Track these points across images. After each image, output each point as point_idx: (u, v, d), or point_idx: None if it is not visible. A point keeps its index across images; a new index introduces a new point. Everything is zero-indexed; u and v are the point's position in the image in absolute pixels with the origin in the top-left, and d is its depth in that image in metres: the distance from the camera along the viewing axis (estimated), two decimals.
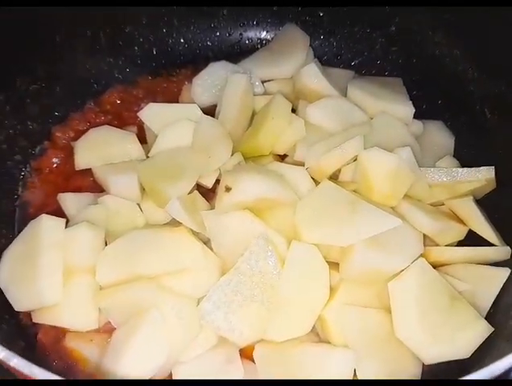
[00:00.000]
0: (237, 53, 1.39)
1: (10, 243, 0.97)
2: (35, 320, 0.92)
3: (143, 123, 1.19)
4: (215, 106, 1.22)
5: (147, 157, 1.12)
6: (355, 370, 0.85)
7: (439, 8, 1.18)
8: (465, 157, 1.17)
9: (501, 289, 0.94)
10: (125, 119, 1.25)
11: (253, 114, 1.20)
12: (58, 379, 0.51)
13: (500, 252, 0.99)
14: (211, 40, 1.40)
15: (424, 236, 0.98)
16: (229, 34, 1.41)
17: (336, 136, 1.07)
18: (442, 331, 0.86)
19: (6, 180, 1.11)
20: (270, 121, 1.09)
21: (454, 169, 1.07)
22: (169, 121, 1.13)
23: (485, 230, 1.01)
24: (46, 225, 0.94)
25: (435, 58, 1.25)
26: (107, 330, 0.92)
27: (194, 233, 0.97)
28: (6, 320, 0.88)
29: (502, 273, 0.95)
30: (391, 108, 1.16)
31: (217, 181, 1.09)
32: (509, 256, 0.99)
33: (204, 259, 0.93)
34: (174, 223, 1.02)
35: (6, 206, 1.09)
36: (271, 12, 1.39)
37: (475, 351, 0.86)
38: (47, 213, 0.97)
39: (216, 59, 1.31)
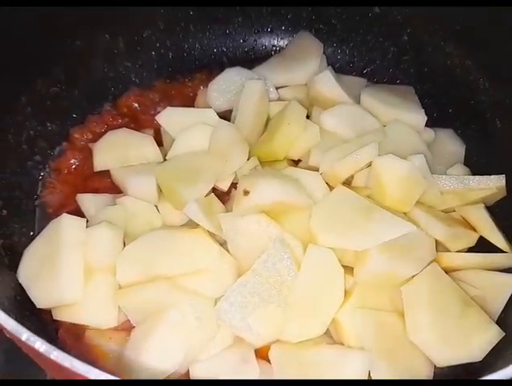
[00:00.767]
0: (251, 59, 1.42)
1: (30, 241, 0.99)
2: (55, 317, 0.93)
3: (160, 126, 1.21)
4: (230, 111, 1.24)
5: (164, 159, 1.14)
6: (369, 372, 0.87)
7: (451, 19, 1.21)
8: (476, 165, 1.19)
9: None
10: (141, 122, 1.27)
11: (268, 120, 1.23)
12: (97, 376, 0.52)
13: (510, 258, 1.01)
14: (226, 46, 1.43)
15: (436, 241, 1.01)
16: (244, 41, 1.44)
17: (350, 142, 1.09)
18: (454, 335, 0.88)
19: (26, 180, 1.13)
20: (286, 127, 1.11)
21: (465, 176, 1.10)
22: (186, 125, 1.15)
23: (496, 237, 1.03)
24: (67, 224, 0.96)
25: (447, 67, 1.27)
26: (125, 328, 0.94)
27: (211, 235, 0.99)
28: (27, 317, 0.90)
29: None
30: (404, 116, 1.18)
31: (232, 184, 1.12)
32: None
33: (221, 260, 0.96)
34: (190, 224, 1.04)
35: (26, 205, 1.11)
36: (285, 19, 1.42)
37: (486, 354, 0.88)
38: (66, 213, 1.00)
39: (231, 64, 1.33)
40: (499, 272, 0.99)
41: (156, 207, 1.08)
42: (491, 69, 1.19)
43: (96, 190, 1.14)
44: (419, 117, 1.19)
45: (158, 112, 1.21)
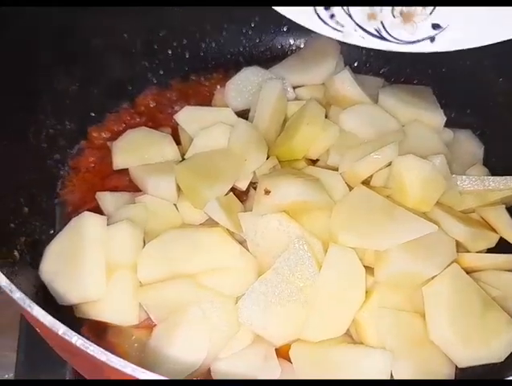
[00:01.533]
0: (268, 59, 1.42)
1: (51, 239, 1.00)
2: (78, 315, 0.94)
3: (177, 125, 1.21)
4: (247, 110, 1.25)
5: (182, 158, 1.15)
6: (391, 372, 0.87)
7: None
8: (494, 166, 1.19)
9: None
10: (159, 120, 1.28)
11: (285, 119, 1.23)
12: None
13: None
14: (242, 45, 1.43)
15: (456, 242, 1.01)
16: (260, 40, 1.44)
17: (370, 142, 1.09)
18: (475, 335, 0.88)
19: (46, 178, 1.13)
20: (305, 127, 1.11)
21: (485, 177, 1.09)
22: (204, 124, 1.16)
23: None
24: (88, 222, 0.96)
25: (465, 68, 1.26)
26: (146, 326, 0.95)
27: (230, 233, 0.99)
28: (49, 314, 0.90)
29: None
30: (423, 116, 1.18)
31: (250, 184, 1.12)
32: None
33: (241, 258, 0.96)
34: (209, 223, 1.05)
35: (46, 203, 1.11)
36: None
37: (508, 355, 0.88)
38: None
39: (247, 64, 1.34)
40: None
41: (175, 205, 1.09)
42: (510, 70, 1.18)
43: (114, 189, 1.15)
44: (438, 118, 1.19)
45: (176, 111, 1.22)
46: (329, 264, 0.92)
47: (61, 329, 0.55)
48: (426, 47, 0.92)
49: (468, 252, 1.03)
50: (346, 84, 1.21)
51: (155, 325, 0.93)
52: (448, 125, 1.21)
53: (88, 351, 0.52)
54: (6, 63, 1.02)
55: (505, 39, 0.87)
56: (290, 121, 1.20)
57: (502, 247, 1.04)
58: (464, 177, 1.09)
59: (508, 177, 1.08)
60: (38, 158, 1.13)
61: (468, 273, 0.96)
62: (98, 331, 0.94)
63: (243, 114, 1.23)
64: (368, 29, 0.90)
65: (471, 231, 1.02)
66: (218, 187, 1.04)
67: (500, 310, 0.92)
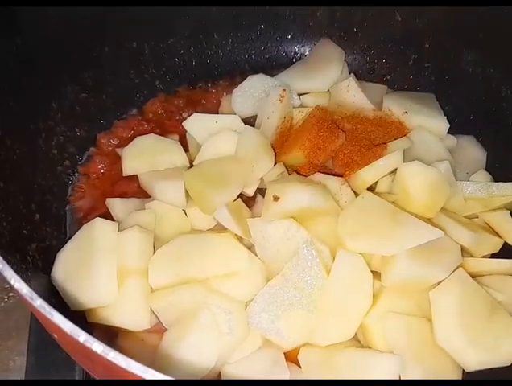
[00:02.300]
0: (273, 66, 1.44)
1: (62, 245, 1.01)
2: (89, 320, 0.95)
3: (185, 131, 1.23)
4: (254, 117, 1.26)
5: (190, 165, 1.16)
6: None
7: (473, 27, 1.23)
8: (498, 171, 1.20)
9: None
10: (166, 127, 1.30)
11: (291, 126, 1.24)
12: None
13: None
14: (248, 53, 1.45)
15: (460, 247, 1.02)
16: (266, 48, 1.46)
17: None
18: (482, 339, 0.90)
19: (57, 185, 1.15)
20: (311, 133, 1.13)
21: (489, 183, 1.11)
22: (212, 131, 1.17)
23: None
24: (100, 228, 0.98)
25: (468, 75, 1.29)
26: (157, 330, 0.96)
27: (238, 239, 1.01)
28: None
29: None
30: (426, 122, 1.20)
31: (257, 190, 1.14)
32: None
33: (250, 264, 0.97)
34: (217, 228, 1.07)
35: (56, 210, 1.13)
36: (307, 27, 1.44)
37: None
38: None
39: (253, 71, 1.36)
40: None
41: (184, 211, 1.10)
42: None
43: (124, 195, 1.16)
44: (441, 124, 1.21)
45: (183, 118, 1.24)
46: (337, 269, 0.93)
47: (82, 336, 0.56)
48: None
49: (473, 257, 1.05)
50: (351, 91, 1.23)
51: (166, 329, 0.95)
52: (451, 131, 1.23)
53: (109, 357, 0.54)
54: (17, 71, 1.05)
55: None
56: (296, 127, 1.22)
57: (506, 252, 1.06)
58: (468, 183, 1.10)
59: (511, 183, 1.10)
60: (48, 165, 1.14)
61: (472, 277, 0.98)
62: (109, 336, 0.96)
63: (250, 121, 1.25)
64: None
65: (475, 236, 1.04)
66: (227, 193, 1.06)
67: (506, 314, 0.94)
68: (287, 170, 1.14)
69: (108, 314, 0.94)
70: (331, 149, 1.15)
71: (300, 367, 0.92)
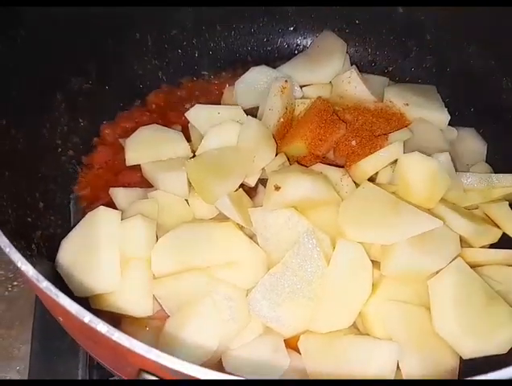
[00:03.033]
0: (275, 58, 1.45)
1: (66, 232, 1.03)
2: (93, 306, 0.97)
3: (187, 122, 1.24)
4: (256, 108, 1.27)
5: (193, 155, 1.18)
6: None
7: (474, 19, 1.23)
8: (497, 163, 1.21)
9: None
10: (169, 118, 1.31)
11: (293, 117, 1.25)
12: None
13: None
14: (250, 45, 1.45)
15: (460, 237, 1.03)
16: (268, 40, 1.46)
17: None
18: (480, 327, 0.91)
19: (61, 174, 1.16)
20: (313, 124, 1.14)
21: (489, 174, 1.12)
22: (214, 122, 1.18)
23: None
24: (103, 216, 0.99)
25: (469, 67, 1.29)
26: (160, 317, 0.97)
27: (240, 228, 1.02)
28: None
29: None
30: (427, 114, 1.21)
31: (259, 180, 1.15)
32: None
33: (251, 252, 0.99)
34: (219, 218, 1.08)
35: (60, 199, 1.14)
36: (309, 19, 1.45)
37: None
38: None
39: (255, 63, 1.36)
40: None
41: (186, 200, 1.12)
42: None
43: (127, 185, 1.18)
44: (442, 116, 1.21)
45: (186, 109, 1.24)
46: (337, 258, 0.95)
47: (87, 316, 0.57)
48: None
49: (472, 247, 1.06)
50: (353, 82, 1.24)
51: (168, 316, 0.96)
52: (452, 123, 1.24)
53: (114, 337, 0.55)
54: (21, 62, 1.06)
55: None
56: (298, 118, 1.23)
57: (505, 242, 1.07)
58: (468, 174, 1.11)
59: (511, 174, 1.11)
60: (52, 155, 1.16)
61: (471, 267, 0.99)
62: (113, 323, 0.95)
63: (252, 112, 1.25)
64: None
65: (474, 226, 1.05)
66: (229, 183, 1.07)
67: (504, 304, 0.95)
68: (289, 161, 1.15)
69: (111, 300, 0.95)
70: (332, 140, 1.16)
71: (300, 353, 0.94)
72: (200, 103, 1.26)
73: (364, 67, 1.42)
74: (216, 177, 1.07)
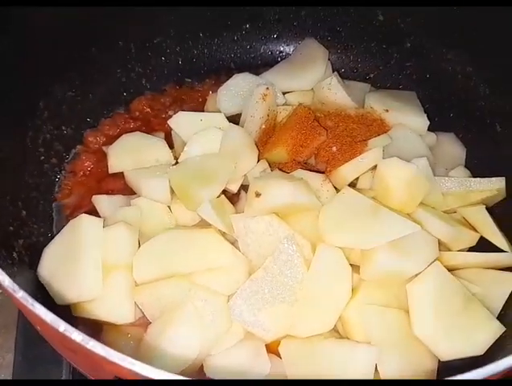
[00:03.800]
0: (258, 65, 1.47)
1: (49, 241, 1.03)
2: (74, 313, 0.97)
3: (170, 129, 1.25)
4: (239, 115, 1.29)
5: (176, 162, 1.18)
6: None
7: (453, 27, 1.26)
8: (476, 167, 1.23)
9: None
10: (153, 125, 1.32)
11: (275, 124, 1.27)
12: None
13: (510, 257, 1.05)
14: (233, 52, 1.47)
15: (438, 241, 1.05)
16: (251, 47, 1.48)
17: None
18: (457, 330, 0.92)
19: (44, 182, 1.17)
20: (294, 131, 1.15)
21: (467, 179, 1.14)
22: (197, 129, 1.19)
23: (496, 237, 1.08)
24: (86, 224, 1.00)
25: (448, 73, 1.32)
26: (142, 324, 0.98)
27: (222, 234, 1.03)
28: None
29: None
30: (407, 120, 1.23)
31: (241, 186, 1.16)
32: None
33: (233, 258, 1.00)
34: (201, 224, 1.09)
35: (43, 207, 1.15)
36: (291, 26, 1.47)
37: (488, 348, 0.92)
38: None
39: (238, 70, 1.38)
40: (499, 270, 1.03)
41: (169, 207, 1.12)
42: (491, 76, 1.23)
43: (110, 192, 1.18)
44: (421, 121, 1.23)
45: (169, 116, 1.25)
46: (317, 263, 0.96)
47: (62, 325, 0.58)
48: None
49: (450, 250, 1.08)
50: (333, 89, 1.26)
51: (150, 323, 0.97)
52: (431, 128, 1.26)
53: (88, 346, 0.56)
54: (4, 69, 1.06)
55: None
56: (280, 125, 1.24)
57: (482, 246, 1.09)
58: (446, 179, 1.13)
59: (489, 178, 1.13)
60: (35, 163, 1.16)
61: (449, 270, 1.01)
62: (94, 330, 0.98)
63: (235, 119, 1.27)
64: None
65: (453, 230, 1.07)
66: (210, 190, 1.08)
67: (480, 306, 0.96)
68: (270, 167, 1.16)
69: (93, 307, 0.96)
70: (313, 146, 1.18)
71: (281, 358, 0.95)
72: (184, 110, 1.28)
73: (346, 73, 1.44)
74: (199, 183, 1.08)
